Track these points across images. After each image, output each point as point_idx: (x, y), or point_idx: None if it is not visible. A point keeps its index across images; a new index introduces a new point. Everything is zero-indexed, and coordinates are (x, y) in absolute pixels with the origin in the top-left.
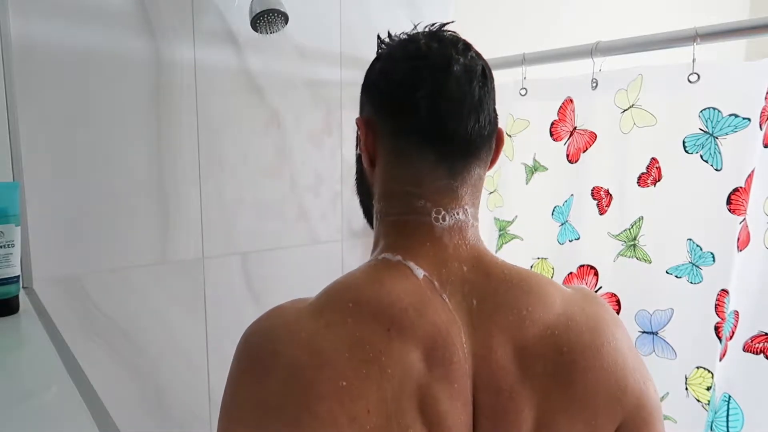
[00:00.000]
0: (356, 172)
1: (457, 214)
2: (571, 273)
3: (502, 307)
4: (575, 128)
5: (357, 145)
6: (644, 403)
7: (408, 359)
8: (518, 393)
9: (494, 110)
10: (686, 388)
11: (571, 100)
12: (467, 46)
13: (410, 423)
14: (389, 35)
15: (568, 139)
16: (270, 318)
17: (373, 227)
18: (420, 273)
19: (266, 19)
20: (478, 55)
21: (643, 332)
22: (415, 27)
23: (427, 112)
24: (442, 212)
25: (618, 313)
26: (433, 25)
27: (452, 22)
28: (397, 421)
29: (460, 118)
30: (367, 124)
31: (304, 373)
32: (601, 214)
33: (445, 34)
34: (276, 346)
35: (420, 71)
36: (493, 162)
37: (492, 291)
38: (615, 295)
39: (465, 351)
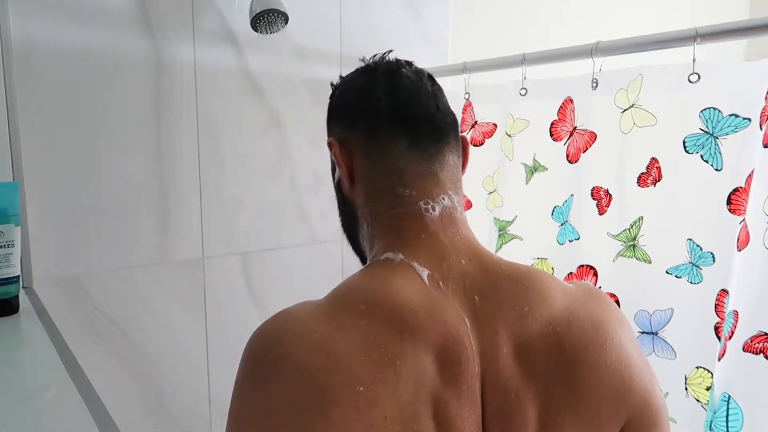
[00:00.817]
0: (339, 206)
1: (443, 200)
2: (570, 273)
3: (503, 303)
4: (575, 128)
5: (333, 174)
6: (651, 402)
7: (421, 362)
8: (524, 393)
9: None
10: (686, 388)
11: (571, 100)
12: (408, 62)
13: (423, 428)
14: (340, 77)
15: (568, 139)
16: (277, 321)
17: (364, 262)
18: (424, 272)
19: (266, 19)
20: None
21: (643, 332)
22: (363, 61)
23: (388, 103)
24: (430, 202)
25: None
26: (375, 55)
27: (391, 51)
28: (412, 427)
29: (420, 103)
30: (339, 140)
31: (318, 376)
32: (600, 214)
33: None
34: (286, 349)
35: (374, 78)
36: (464, 164)
37: (492, 287)
38: (614, 296)
39: (473, 350)
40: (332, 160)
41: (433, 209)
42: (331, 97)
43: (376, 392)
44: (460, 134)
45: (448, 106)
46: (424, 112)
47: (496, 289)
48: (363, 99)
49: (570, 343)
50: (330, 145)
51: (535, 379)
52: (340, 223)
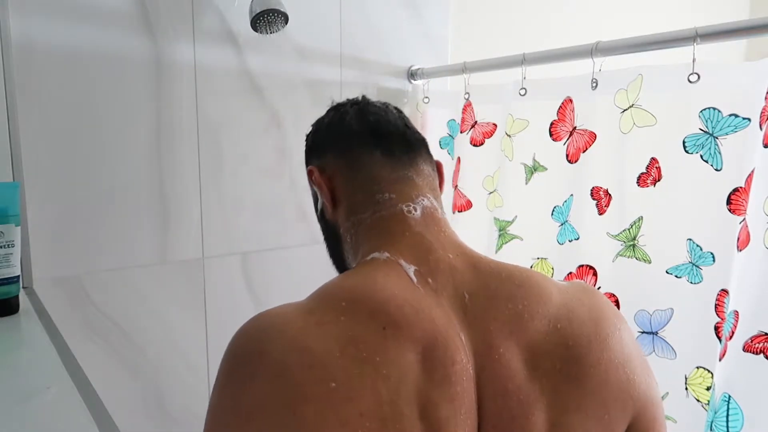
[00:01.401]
0: (325, 236)
1: (423, 201)
2: (570, 273)
3: (496, 301)
4: (575, 128)
5: (315, 205)
6: (652, 397)
7: (405, 360)
8: (527, 394)
9: None
10: (686, 388)
11: (571, 100)
12: (374, 100)
13: (408, 429)
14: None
15: (568, 139)
16: (257, 320)
17: None
18: (410, 268)
19: (266, 19)
20: None
21: (643, 332)
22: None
23: (359, 125)
24: (411, 204)
25: None
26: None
27: (363, 96)
28: (394, 426)
29: (388, 121)
30: (317, 167)
31: (292, 373)
32: (600, 214)
33: None
34: (262, 347)
35: (343, 110)
36: (441, 185)
37: (482, 284)
38: (614, 296)
39: (467, 350)
40: (313, 193)
41: (415, 210)
42: (306, 138)
43: (351, 388)
44: (435, 159)
45: (416, 129)
46: (393, 128)
47: (487, 286)
48: (336, 127)
49: (573, 340)
50: (310, 172)
51: (541, 379)
52: (329, 254)
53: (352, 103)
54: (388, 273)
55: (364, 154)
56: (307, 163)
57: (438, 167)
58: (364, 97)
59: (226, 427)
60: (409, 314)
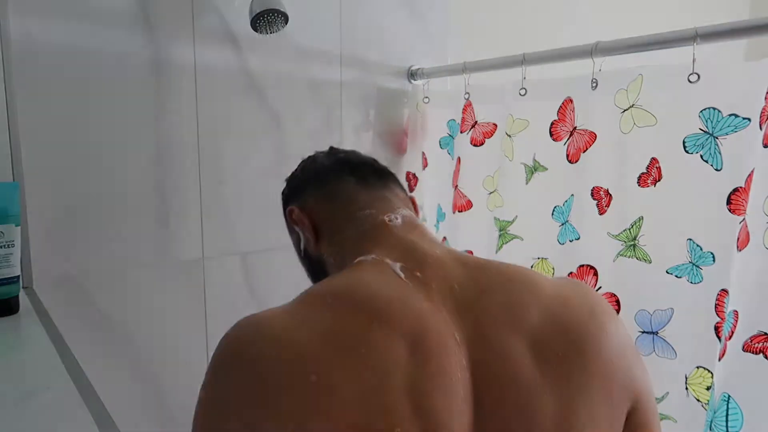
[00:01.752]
0: (311, 275)
1: (402, 211)
2: (571, 273)
3: (487, 292)
4: (575, 128)
5: (298, 247)
6: (648, 388)
7: (394, 352)
8: (527, 381)
9: None
10: (686, 388)
11: (571, 100)
12: None
13: (398, 421)
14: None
15: (568, 139)
16: (242, 322)
17: None
18: (396, 265)
19: (266, 19)
20: None
21: (643, 332)
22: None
23: (331, 161)
24: (391, 215)
25: (618, 313)
26: None
27: (330, 147)
28: (382, 417)
29: (357, 156)
30: (297, 206)
31: (271, 369)
32: (600, 214)
33: None
34: (243, 346)
35: (314, 157)
36: (416, 211)
37: (471, 277)
38: (615, 295)
39: (458, 341)
40: (294, 237)
41: (396, 218)
42: (282, 192)
43: (333, 380)
44: (410, 195)
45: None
46: (363, 159)
47: (477, 279)
48: (309, 169)
49: (572, 327)
50: (290, 212)
51: (542, 366)
52: None
53: (320, 151)
54: (374, 272)
55: (339, 183)
56: (285, 208)
57: (412, 200)
58: (331, 147)
59: (208, 425)
60: (396, 308)
